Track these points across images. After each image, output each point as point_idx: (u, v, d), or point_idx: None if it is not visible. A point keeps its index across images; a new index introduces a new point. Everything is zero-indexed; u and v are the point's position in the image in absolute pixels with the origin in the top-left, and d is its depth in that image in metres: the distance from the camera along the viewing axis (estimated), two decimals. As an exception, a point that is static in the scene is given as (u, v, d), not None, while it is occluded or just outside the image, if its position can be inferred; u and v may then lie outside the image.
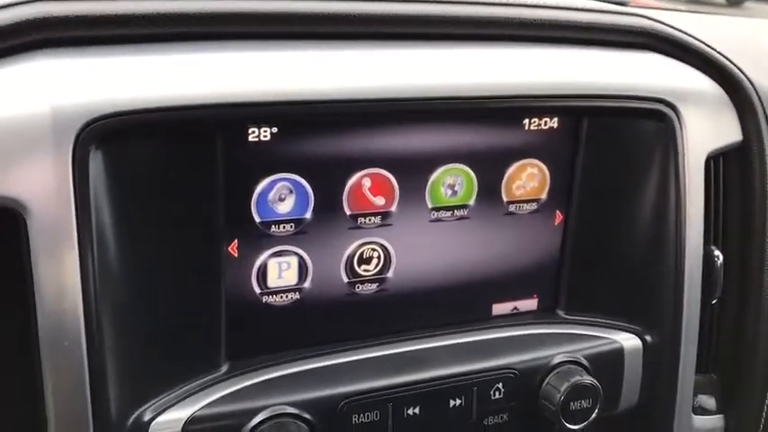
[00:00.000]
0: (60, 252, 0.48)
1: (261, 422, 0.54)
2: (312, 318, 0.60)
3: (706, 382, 0.77)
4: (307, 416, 0.55)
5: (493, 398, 0.62)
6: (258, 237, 0.57)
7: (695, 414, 0.74)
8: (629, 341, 0.68)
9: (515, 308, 0.68)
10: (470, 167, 0.62)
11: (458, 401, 0.61)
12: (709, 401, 0.77)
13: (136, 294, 0.52)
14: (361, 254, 0.60)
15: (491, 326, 0.66)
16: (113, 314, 0.51)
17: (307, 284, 0.59)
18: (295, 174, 0.56)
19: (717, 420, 0.77)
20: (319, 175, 0.57)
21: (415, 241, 0.62)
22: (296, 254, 0.58)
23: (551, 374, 0.63)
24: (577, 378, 0.62)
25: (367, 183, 0.58)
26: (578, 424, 0.63)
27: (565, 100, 0.63)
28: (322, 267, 0.59)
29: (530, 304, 0.69)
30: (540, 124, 0.63)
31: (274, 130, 0.54)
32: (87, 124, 0.47)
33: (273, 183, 0.56)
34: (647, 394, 0.69)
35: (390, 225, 0.60)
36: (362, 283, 0.61)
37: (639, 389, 0.69)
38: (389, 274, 0.62)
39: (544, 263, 0.68)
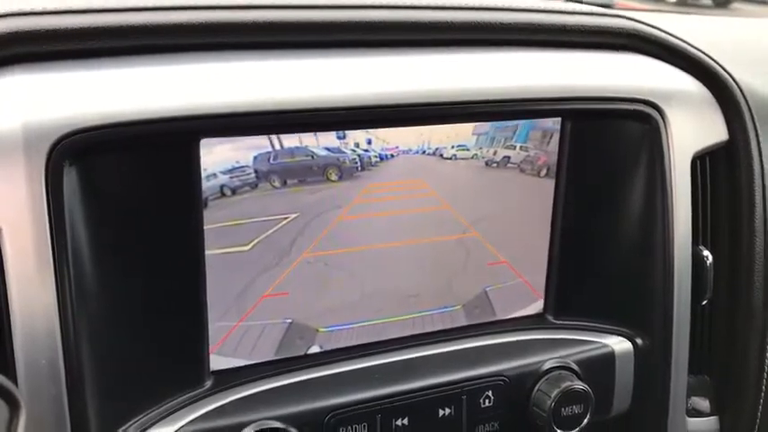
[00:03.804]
0: (36, 270, 0.47)
1: (248, 436, 0.53)
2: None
3: (699, 383, 0.77)
4: (293, 430, 0.54)
5: (483, 406, 0.61)
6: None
7: (689, 416, 0.73)
8: (619, 345, 0.67)
9: (504, 313, 0.68)
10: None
11: (447, 411, 0.60)
12: (702, 403, 0.76)
13: (114, 311, 0.51)
14: (346, 265, 0.60)
15: (480, 333, 0.66)
16: (91, 332, 0.50)
17: (289, 296, 0.59)
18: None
19: (711, 422, 0.76)
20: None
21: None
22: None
23: (542, 380, 0.62)
24: (568, 384, 0.61)
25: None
26: (570, 430, 0.62)
27: (549, 103, 0.63)
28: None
29: (518, 309, 0.68)
30: (523, 128, 0.63)
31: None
32: (60, 140, 0.47)
33: (253, 193, 0.55)
34: (640, 398, 0.68)
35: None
36: (347, 293, 0.61)
37: (632, 392, 0.68)
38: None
39: (532, 266, 0.67)
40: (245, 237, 0.56)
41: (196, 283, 0.54)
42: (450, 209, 0.62)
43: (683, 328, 0.69)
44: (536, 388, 0.62)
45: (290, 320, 0.59)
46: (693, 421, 0.74)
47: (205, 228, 0.54)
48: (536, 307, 0.68)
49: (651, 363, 0.68)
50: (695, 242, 0.71)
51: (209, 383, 0.56)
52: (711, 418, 0.76)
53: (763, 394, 0.77)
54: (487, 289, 0.66)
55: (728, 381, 0.77)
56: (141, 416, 0.52)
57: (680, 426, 0.72)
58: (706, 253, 0.72)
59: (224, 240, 0.55)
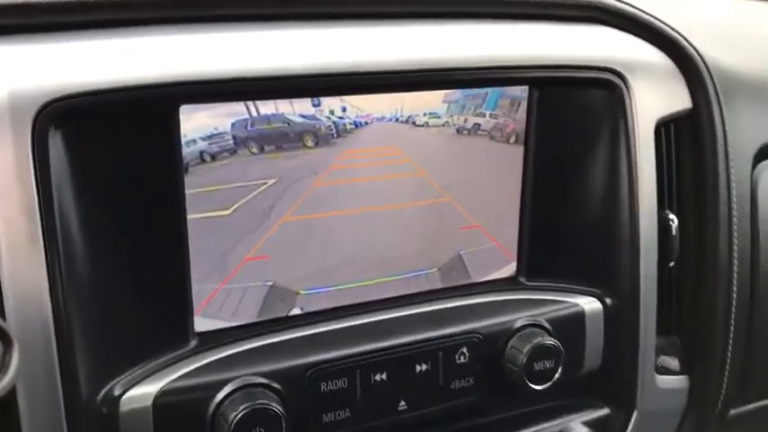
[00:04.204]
0: (25, 233, 0.49)
1: (231, 392, 0.55)
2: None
3: (669, 343, 0.80)
4: (276, 385, 0.57)
5: (458, 362, 0.64)
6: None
7: (659, 374, 0.77)
8: (589, 305, 0.70)
9: (477, 275, 0.70)
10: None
11: (424, 367, 0.62)
12: (672, 362, 0.79)
13: (101, 271, 0.53)
14: (324, 228, 0.62)
15: (455, 294, 0.68)
16: (79, 292, 0.52)
17: (270, 260, 0.61)
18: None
19: (681, 381, 0.79)
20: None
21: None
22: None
23: (514, 337, 0.65)
24: (539, 340, 0.64)
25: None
26: (542, 384, 0.65)
27: (516, 71, 0.65)
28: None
29: (491, 272, 0.71)
30: (492, 96, 0.66)
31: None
32: (45, 106, 0.49)
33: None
34: (610, 356, 0.71)
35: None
36: (326, 256, 0.63)
37: (602, 350, 0.71)
38: (352, 247, 0.64)
39: (504, 230, 0.70)
40: (225, 201, 0.58)
41: (179, 247, 0.57)
42: (424, 175, 0.65)
43: (650, 289, 0.72)
44: (509, 345, 0.65)
45: (270, 283, 0.61)
46: (663, 379, 0.77)
47: (187, 192, 0.56)
48: (509, 270, 0.71)
49: (620, 322, 0.71)
50: (661, 207, 0.74)
51: (193, 343, 0.59)
52: (681, 376, 0.79)
53: (729, 354, 0.80)
54: (462, 252, 0.69)
55: (696, 341, 0.80)
56: (128, 373, 0.55)
57: (650, 382, 0.75)
58: (672, 217, 0.75)
59: (205, 205, 0.57)
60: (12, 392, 0.51)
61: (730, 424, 0.89)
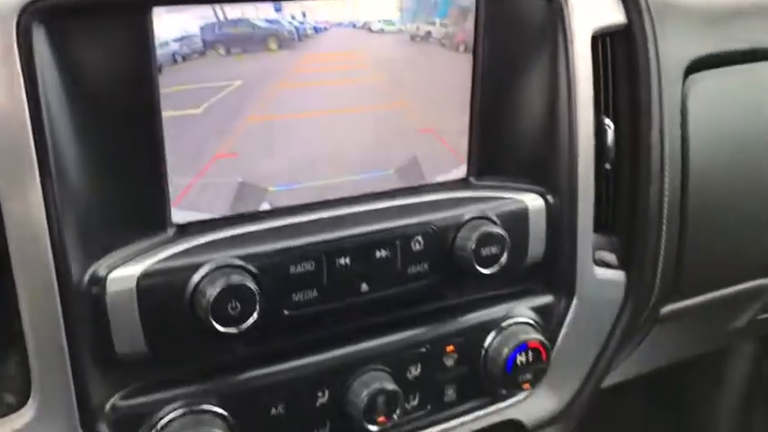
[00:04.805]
0: (15, 127, 0.54)
1: (208, 272, 0.61)
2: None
3: (607, 241, 0.88)
4: (249, 267, 0.63)
5: (414, 249, 0.70)
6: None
7: (597, 266, 0.85)
8: (533, 201, 0.77)
9: (431, 178, 0.77)
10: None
11: (383, 253, 0.69)
12: (610, 257, 0.87)
13: (86, 161, 0.58)
14: (289, 128, 0.68)
15: (410, 193, 0.75)
16: (67, 178, 0.57)
17: (241, 156, 0.67)
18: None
19: (618, 275, 0.87)
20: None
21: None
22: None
23: (464, 227, 0.72)
24: (486, 228, 0.71)
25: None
26: (489, 268, 0.71)
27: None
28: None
29: (444, 174, 0.77)
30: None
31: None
32: (27, 5, 0.53)
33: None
34: (552, 248, 0.79)
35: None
36: (291, 155, 0.69)
37: (544, 243, 0.78)
38: (316, 147, 0.70)
39: (455, 134, 0.76)
40: (196, 101, 0.63)
41: (155, 142, 0.62)
42: (381, 80, 0.71)
43: (587, 189, 0.79)
44: (459, 234, 0.72)
45: (240, 180, 0.67)
46: (601, 271, 0.85)
47: (161, 91, 0.61)
48: (460, 171, 0.78)
49: (560, 217, 0.78)
50: (598, 113, 0.81)
51: (171, 232, 0.64)
52: (618, 271, 0.88)
53: (662, 253, 0.89)
54: (416, 155, 0.75)
55: (631, 240, 0.88)
56: (111, 255, 0.60)
57: (588, 273, 0.83)
58: (608, 122, 0.82)
59: (178, 103, 0.62)
60: (10, 280, 0.56)
61: (662, 320, 0.99)
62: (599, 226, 0.86)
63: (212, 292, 0.59)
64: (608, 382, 1.07)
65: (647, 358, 1.15)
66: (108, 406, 0.62)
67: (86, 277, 0.59)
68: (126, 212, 0.61)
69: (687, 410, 1.75)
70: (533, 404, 0.85)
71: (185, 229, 0.65)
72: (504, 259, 0.72)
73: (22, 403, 0.58)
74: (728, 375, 1.67)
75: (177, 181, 0.64)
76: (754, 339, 1.58)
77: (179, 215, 0.65)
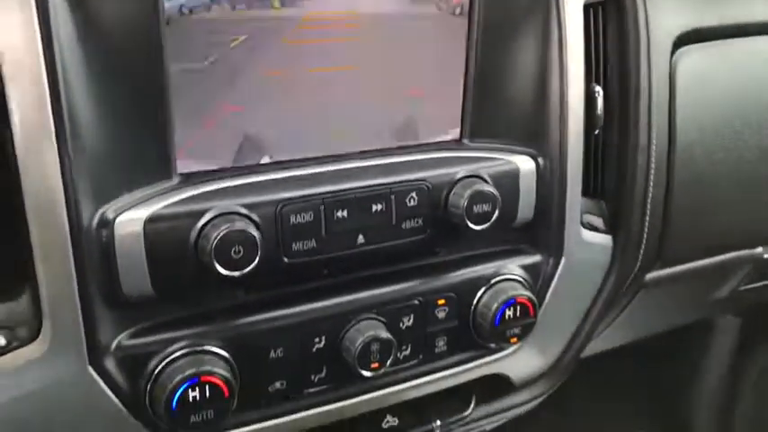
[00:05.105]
0: (30, 71, 0.57)
1: (213, 218, 0.64)
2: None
3: (595, 205, 0.91)
4: (252, 215, 0.66)
5: (408, 205, 0.73)
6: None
7: (585, 229, 0.88)
8: (524, 163, 0.80)
9: (426, 138, 0.79)
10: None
11: (379, 206, 0.72)
12: (597, 221, 0.90)
13: (96, 107, 0.61)
14: (290, 84, 0.70)
15: (406, 152, 0.77)
16: (79, 123, 0.60)
17: (244, 110, 0.69)
18: None
19: (605, 239, 0.90)
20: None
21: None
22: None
23: (457, 185, 0.74)
24: (479, 186, 0.74)
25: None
26: (481, 225, 0.74)
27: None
28: (256, 95, 0.69)
29: (439, 135, 0.80)
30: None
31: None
32: None
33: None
34: (541, 209, 0.82)
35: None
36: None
37: (534, 203, 0.81)
38: (316, 104, 0.72)
39: (449, 97, 0.79)
40: (202, 54, 0.65)
41: (162, 93, 0.64)
42: (381, 39, 0.73)
43: (576, 152, 0.82)
44: (452, 191, 0.74)
45: (243, 132, 0.69)
46: (589, 234, 0.88)
47: (167, 43, 0.63)
48: (454, 133, 0.80)
49: (550, 179, 0.81)
50: (588, 80, 0.84)
51: (176, 180, 0.67)
52: (605, 235, 0.91)
53: (647, 221, 0.92)
54: (412, 115, 0.77)
55: (618, 206, 0.91)
56: (119, 199, 0.62)
57: (576, 235, 0.86)
58: (598, 89, 0.84)
59: (184, 56, 0.64)
60: (24, 221, 0.59)
61: (647, 286, 1.02)
62: (587, 191, 0.89)
63: (216, 236, 0.62)
64: (593, 350, 1.10)
65: (631, 327, 1.18)
66: (115, 344, 0.65)
67: (95, 220, 0.61)
68: (133, 160, 0.64)
69: (672, 383, 1.80)
70: (520, 361, 0.89)
71: (189, 179, 0.67)
72: (495, 217, 0.75)
73: (33, 337, 0.61)
74: (713, 350, 1.72)
75: (182, 132, 0.66)
76: (740, 313, 1.62)
77: (184, 165, 0.67)
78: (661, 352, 1.79)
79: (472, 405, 0.89)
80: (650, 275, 1.01)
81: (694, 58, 0.92)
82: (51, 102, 0.58)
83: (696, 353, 1.73)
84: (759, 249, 1.10)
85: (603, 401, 1.79)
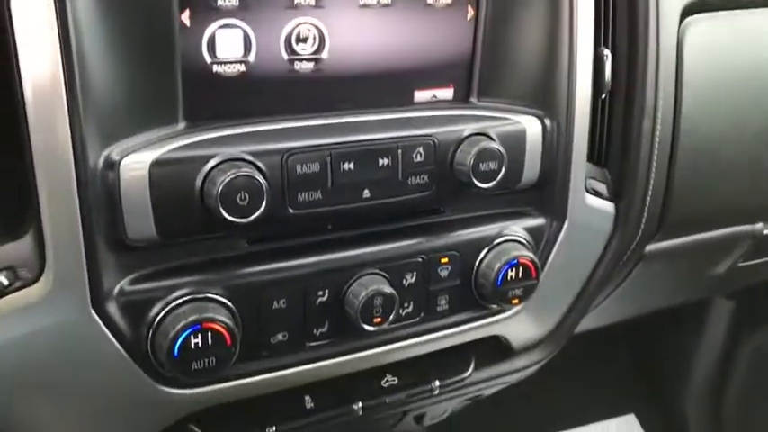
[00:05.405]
0: (39, 8, 0.56)
1: (219, 163, 0.63)
2: (257, 89, 0.69)
3: (599, 172, 0.91)
4: (258, 163, 0.65)
5: (415, 160, 0.73)
6: (207, 8, 0.65)
7: (588, 193, 0.88)
8: (531, 124, 0.79)
9: (434, 96, 0.79)
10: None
11: (386, 161, 0.71)
12: (601, 187, 0.90)
13: (106, 48, 0.60)
14: (298, 33, 0.70)
15: (414, 108, 0.77)
16: (87, 64, 0.59)
17: (251, 58, 0.68)
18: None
19: (608, 206, 0.90)
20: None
21: (346, 24, 0.71)
22: (240, 27, 0.67)
23: (464, 142, 0.74)
24: (485, 144, 0.73)
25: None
26: (487, 183, 0.74)
27: None
28: (264, 42, 0.68)
29: (446, 93, 0.80)
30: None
31: None
32: None
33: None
34: (546, 171, 0.81)
35: (323, 7, 0.69)
36: (300, 61, 0.71)
37: (539, 165, 0.81)
38: (324, 55, 0.71)
39: (458, 55, 0.79)
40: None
41: (170, 34, 0.64)
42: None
43: (583, 115, 0.82)
44: (459, 148, 0.74)
45: (250, 80, 0.69)
46: (592, 199, 0.88)
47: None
48: (463, 91, 0.80)
49: (556, 141, 0.81)
50: (597, 43, 0.83)
51: (182, 126, 0.66)
52: (609, 203, 0.91)
53: (650, 191, 0.92)
54: (422, 71, 0.77)
55: (623, 172, 0.91)
56: (124, 141, 0.62)
57: (580, 199, 0.86)
58: (606, 52, 0.84)
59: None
60: (30, 160, 0.58)
61: (646, 257, 1.02)
62: (592, 158, 0.89)
63: (222, 181, 0.61)
64: (587, 325, 1.11)
65: (628, 302, 1.19)
66: (117, 289, 0.64)
67: (101, 161, 0.61)
68: (139, 102, 0.63)
69: (662, 366, 1.81)
70: (520, 324, 0.89)
71: (195, 124, 0.66)
72: (500, 176, 0.74)
73: (36, 279, 0.61)
74: (705, 333, 1.73)
75: (189, 76, 0.66)
76: (732, 295, 1.64)
77: (189, 110, 0.67)
78: (652, 335, 1.81)
79: (471, 367, 0.89)
80: (650, 247, 1.01)
81: (702, 28, 0.92)
82: (60, 41, 0.57)
83: (687, 336, 1.75)
84: (759, 225, 1.10)
85: (594, 384, 1.81)
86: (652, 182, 0.91)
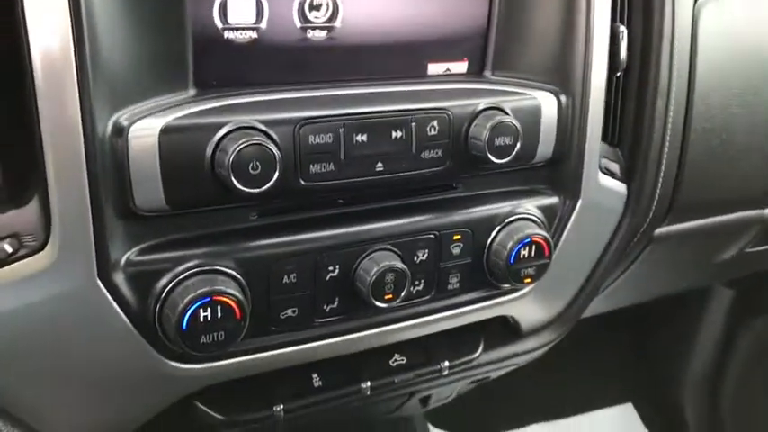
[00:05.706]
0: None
1: (231, 131, 0.61)
2: (269, 57, 0.67)
3: (612, 152, 0.89)
4: (271, 132, 0.63)
5: (429, 134, 0.71)
6: (219, -29, 0.63)
7: (602, 172, 0.86)
8: (545, 99, 0.77)
9: (448, 69, 0.77)
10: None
11: (399, 134, 0.69)
12: (614, 166, 0.89)
13: (116, 9, 0.58)
14: (312, 0, 0.68)
15: (428, 81, 0.75)
16: (97, 30, 0.57)
17: (263, 24, 0.66)
18: None
19: (620, 186, 0.89)
20: None
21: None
22: (253, -8, 0.65)
23: (479, 116, 0.72)
24: (501, 118, 0.72)
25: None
26: (502, 158, 0.72)
27: None
28: (276, 8, 0.66)
29: (461, 66, 0.78)
30: None
31: None
32: None
33: None
34: (560, 148, 0.80)
35: (338, -25, 0.68)
36: (313, 29, 0.69)
37: (554, 141, 0.79)
38: (337, 24, 0.69)
39: (473, 28, 0.77)
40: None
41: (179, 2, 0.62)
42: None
43: (598, 92, 0.80)
44: (474, 123, 0.72)
45: (261, 48, 0.67)
46: (605, 178, 0.86)
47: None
48: (477, 65, 0.78)
49: (571, 118, 0.79)
50: (613, 19, 0.81)
51: (192, 93, 0.64)
52: (621, 183, 0.90)
53: (663, 168, 0.91)
54: (437, 45, 0.75)
55: (635, 153, 0.90)
56: (134, 106, 0.60)
57: (593, 179, 0.84)
58: (622, 29, 0.83)
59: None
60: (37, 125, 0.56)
61: (655, 241, 1.01)
62: (605, 138, 0.88)
63: (234, 150, 0.59)
64: (595, 310, 1.10)
65: (635, 287, 1.18)
66: (125, 259, 0.62)
67: (109, 126, 0.59)
68: (149, 67, 0.61)
69: (660, 357, 1.81)
70: (530, 305, 0.88)
71: (206, 91, 0.65)
72: (515, 151, 0.73)
73: (41, 247, 0.59)
74: (704, 323, 1.73)
75: (199, 42, 0.64)
76: (734, 284, 1.63)
77: (199, 77, 0.65)
78: (651, 322, 1.80)
79: (480, 348, 0.88)
80: (660, 230, 1.00)
81: (717, 8, 0.90)
82: (69, 5, 0.55)
83: (687, 324, 1.75)
84: (768, 210, 1.10)
85: (592, 371, 1.81)
86: (664, 163, 0.90)
